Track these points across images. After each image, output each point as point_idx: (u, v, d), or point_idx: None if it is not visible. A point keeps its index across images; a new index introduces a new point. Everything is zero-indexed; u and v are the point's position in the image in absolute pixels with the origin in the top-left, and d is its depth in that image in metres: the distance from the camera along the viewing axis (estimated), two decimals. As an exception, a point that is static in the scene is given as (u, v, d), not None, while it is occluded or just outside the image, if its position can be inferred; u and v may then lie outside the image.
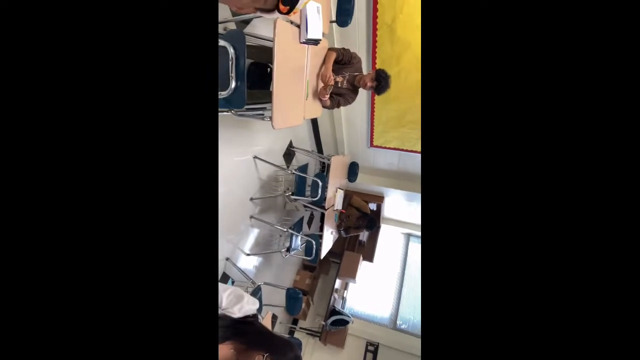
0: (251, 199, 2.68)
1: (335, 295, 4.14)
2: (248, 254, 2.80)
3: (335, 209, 3.01)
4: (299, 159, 3.35)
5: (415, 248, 4.79)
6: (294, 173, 2.70)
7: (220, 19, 1.80)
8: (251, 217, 2.73)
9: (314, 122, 3.65)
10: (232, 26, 1.94)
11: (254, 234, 2.88)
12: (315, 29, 1.58)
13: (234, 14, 1.81)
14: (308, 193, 2.79)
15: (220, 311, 0.91)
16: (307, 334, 4.16)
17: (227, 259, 2.52)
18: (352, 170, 3.35)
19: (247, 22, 2.03)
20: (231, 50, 1.36)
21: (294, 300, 2.32)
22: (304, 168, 2.73)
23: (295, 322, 4.21)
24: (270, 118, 1.54)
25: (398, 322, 4.37)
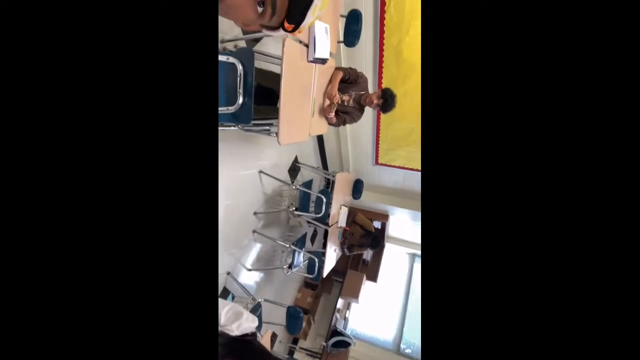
0: (255, 213, 2.67)
1: (337, 315, 4.04)
2: (250, 269, 2.77)
3: (339, 226, 2.98)
4: (304, 175, 3.36)
5: (420, 269, 4.69)
6: (298, 188, 2.71)
7: (230, 36, 1.86)
8: (254, 231, 2.72)
9: (320, 138, 3.69)
10: (242, 44, 2.00)
11: (256, 248, 2.86)
12: (323, 49, 1.63)
13: (244, 32, 1.87)
14: (312, 209, 2.78)
15: (218, 328, 0.89)
16: (307, 354, 4.03)
17: (229, 273, 2.50)
18: (357, 188, 3.34)
19: (257, 40, 2.09)
20: (240, 67, 1.40)
21: (295, 319, 2.26)
22: (308, 184, 2.74)
23: (295, 341, 4.10)
24: (277, 134, 1.56)
25: (402, 346, 4.23)
